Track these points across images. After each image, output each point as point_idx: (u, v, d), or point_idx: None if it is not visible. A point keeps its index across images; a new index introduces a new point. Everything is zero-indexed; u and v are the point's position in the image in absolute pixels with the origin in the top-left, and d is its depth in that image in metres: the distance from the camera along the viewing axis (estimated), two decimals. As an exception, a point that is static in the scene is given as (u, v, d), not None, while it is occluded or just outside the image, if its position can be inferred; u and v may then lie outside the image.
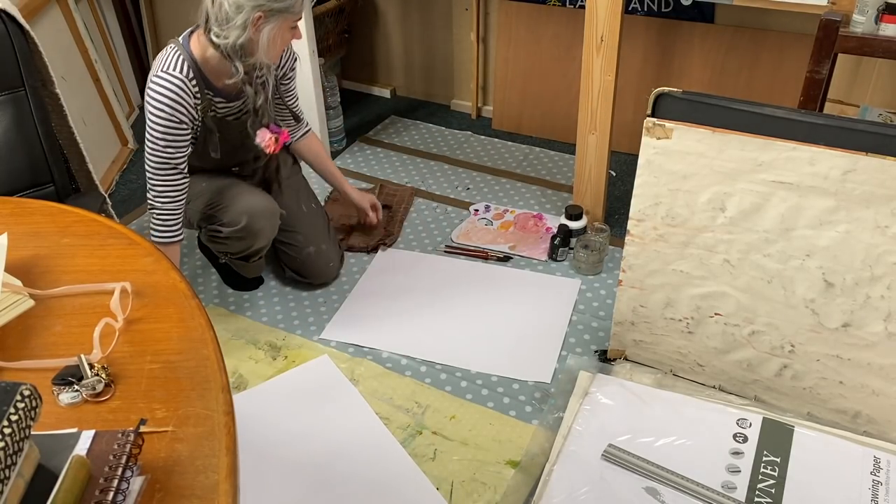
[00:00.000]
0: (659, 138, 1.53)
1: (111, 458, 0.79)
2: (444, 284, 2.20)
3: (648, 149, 1.55)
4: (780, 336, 1.62)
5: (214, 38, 1.73)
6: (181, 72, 1.75)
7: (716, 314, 1.67)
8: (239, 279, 2.21)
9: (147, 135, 1.79)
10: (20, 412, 0.71)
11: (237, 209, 1.93)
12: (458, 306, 2.12)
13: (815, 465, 1.54)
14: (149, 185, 1.85)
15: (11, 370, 0.97)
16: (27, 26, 1.67)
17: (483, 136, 3.02)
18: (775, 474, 1.53)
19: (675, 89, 1.51)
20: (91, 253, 1.20)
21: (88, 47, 2.74)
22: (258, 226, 1.95)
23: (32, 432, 0.73)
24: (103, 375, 0.93)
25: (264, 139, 1.89)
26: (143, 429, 0.85)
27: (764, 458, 1.56)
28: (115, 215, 2.03)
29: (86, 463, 0.77)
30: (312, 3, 2.61)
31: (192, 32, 1.81)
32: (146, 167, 1.84)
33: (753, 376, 1.71)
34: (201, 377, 0.95)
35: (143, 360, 0.98)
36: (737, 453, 1.58)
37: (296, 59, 2.05)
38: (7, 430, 0.69)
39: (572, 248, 2.27)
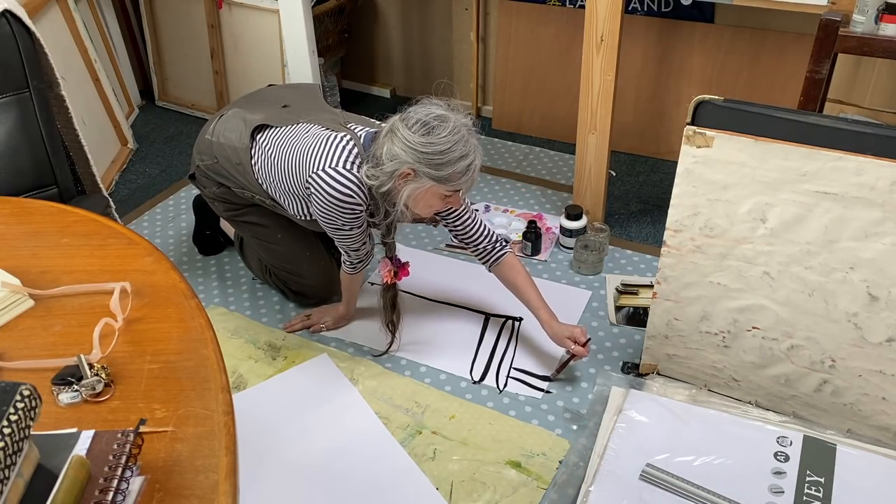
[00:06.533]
0: (699, 147, 1.49)
1: (111, 458, 0.79)
2: (446, 285, 2.20)
3: (688, 157, 1.51)
4: (821, 351, 1.58)
5: (366, 177, 1.65)
6: (356, 170, 1.67)
7: (753, 328, 1.63)
8: (209, 245, 2.35)
9: (327, 226, 1.75)
10: (20, 412, 0.71)
11: (314, 283, 2.08)
12: (459, 310, 2.12)
13: (860, 485, 1.50)
14: (346, 251, 1.83)
15: (11, 370, 0.97)
16: (33, 27, 1.67)
17: (483, 136, 3.01)
18: (820, 495, 1.49)
19: (717, 97, 1.47)
20: (91, 253, 1.20)
21: (88, 47, 2.74)
22: (330, 295, 2.10)
23: (32, 432, 0.73)
24: (103, 375, 0.94)
25: (383, 270, 1.86)
26: (142, 429, 0.85)
27: (808, 479, 1.52)
28: (118, 218, 2.03)
29: (85, 463, 0.77)
30: (312, 3, 2.61)
31: (376, 133, 1.71)
32: (343, 249, 1.82)
33: (791, 392, 1.67)
34: (201, 377, 0.95)
35: (143, 360, 0.98)
36: (779, 473, 1.54)
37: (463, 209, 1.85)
38: (7, 430, 0.69)
39: (543, 243, 2.27)
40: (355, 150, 1.69)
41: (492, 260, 1.89)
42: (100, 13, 3.00)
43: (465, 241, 1.88)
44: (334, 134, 1.73)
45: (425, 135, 1.57)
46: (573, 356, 1.82)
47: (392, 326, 1.92)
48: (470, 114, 1.65)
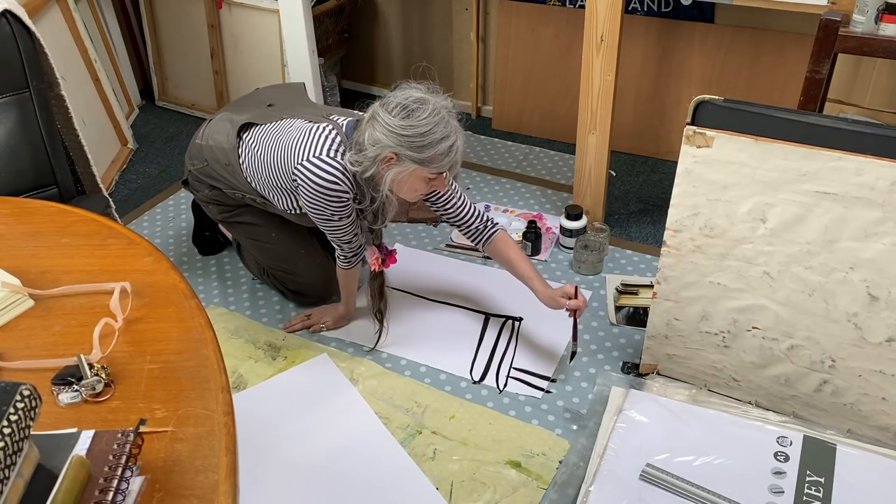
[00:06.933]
0: (699, 147, 1.49)
1: (111, 458, 0.79)
2: (446, 285, 2.20)
3: (688, 157, 1.51)
4: (821, 351, 1.58)
5: (349, 164, 1.67)
6: (339, 157, 1.68)
7: (753, 328, 1.63)
8: (208, 245, 2.36)
9: (317, 218, 1.76)
10: (20, 412, 0.71)
11: (310, 281, 2.08)
12: (459, 310, 2.12)
13: (860, 485, 1.50)
14: (339, 245, 1.84)
15: (11, 370, 0.97)
16: (33, 27, 1.67)
17: (483, 136, 3.02)
18: (820, 495, 1.49)
19: (717, 97, 1.47)
20: (91, 253, 1.20)
21: (88, 47, 2.74)
22: (328, 293, 2.10)
23: (32, 432, 0.73)
24: (103, 375, 0.94)
25: (371, 257, 1.86)
26: (142, 429, 0.85)
27: (807, 479, 1.52)
28: (118, 218, 2.04)
29: (85, 463, 0.77)
30: (312, 3, 2.61)
31: (358, 121, 1.72)
32: (336, 242, 1.83)
33: (791, 392, 1.67)
34: (201, 377, 0.95)
35: (143, 360, 0.98)
36: (779, 473, 1.54)
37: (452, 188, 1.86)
38: (7, 430, 0.69)
39: (544, 243, 2.27)
40: (338, 138, 1.71)
41: (484, 239, 1.91)
42: (100, 13, 3.00)
43: (457, 223, 1.90)
44: (316, 125, 1.75)
45: (405, 118, 1.58)
46: (575, 313, 1.81)
47: (380, 315, 1.94)
48: (450, 96, 1.66)
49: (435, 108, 1.59)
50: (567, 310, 1.81)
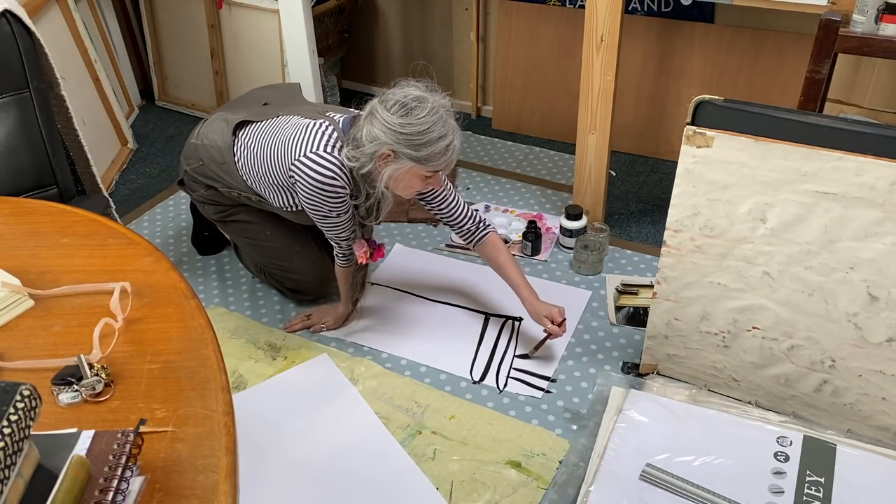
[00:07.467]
0: (699, 147, 1.49)
1: (111, 458, 0.79)
2: (446, 285, 2.20)
3: (688, 157, 1.51)
4: (821, 351, 1.58)
5: (346, 159, 1.67)
6: (336, 153, 1.69)
7: (753, 328, 1.63)
8: (207, 245, 2.37)
9: (315, 214, 1.77)
10: (20, 412, 0.71)
11: (306, 278, 2.09)
12: (459, 310, 2.12)
13: (860, 485, 1.50)
14: (337, 243, 1.86)
15: (11, 370, 0.97)
16: (33, 27, 1.67)
17: (483, 136, 3.02)
18: (820, 495, 1.49)
19: (717, 97, 1.47)
20: (91, 253, 1.20)
21: (88, 47, 2.74)
22: (325, 290, 2.11)
23: (32, 432, 0.73)
24: (103, 375, 0.94)
25: (359, 250, 1.86)
26: (142, 429, 0.85)
27: (808, 479, 1.52)
28: (118, 218, 2.04)
29: (85, 463, 0.77)
30: (312, 3, 2.61)
31: (355, 117, 1.73)
32: (333, 240, 1.84)
33: (791, 392, 1.67)
34: (201, 377, 0.95)
35: (143, 360, 0.98)
36: (779, 473, 1.54)
37: (447, 190, 1.87)
38: (7, 430, 0.69)
39: (544, 244, 2.27)
40: (335, 134, 1.72)
41: (475, 240, 1.93)
42: (100, 13, 3.00)
43: (450, 222, 1.92)
44: (313, 121, 1.76)
45: (404, 116, 1.59)
46: (549, 335, 1.87)
47: (356, 303, 2.01)
48: (448, 94, 1.67)
49: (433, 106, 1.60)
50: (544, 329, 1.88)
